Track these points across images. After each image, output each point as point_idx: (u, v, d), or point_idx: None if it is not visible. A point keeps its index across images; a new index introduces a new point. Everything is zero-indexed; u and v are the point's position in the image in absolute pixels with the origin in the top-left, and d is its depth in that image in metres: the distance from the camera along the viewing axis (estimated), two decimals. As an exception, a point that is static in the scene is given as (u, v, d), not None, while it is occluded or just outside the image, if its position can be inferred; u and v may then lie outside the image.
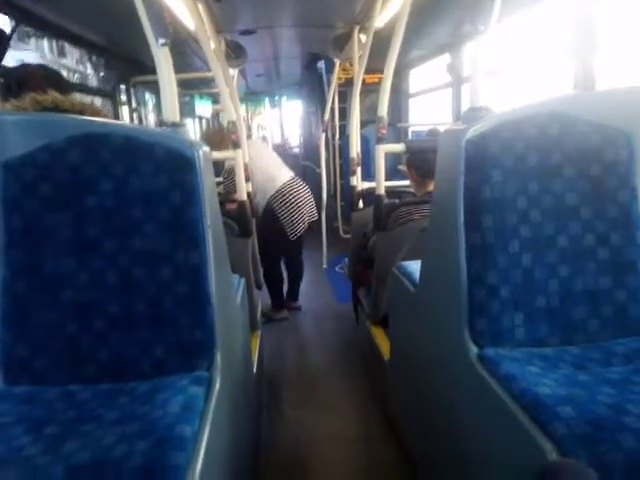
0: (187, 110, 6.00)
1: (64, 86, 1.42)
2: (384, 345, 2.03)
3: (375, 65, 2.85)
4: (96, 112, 1.33)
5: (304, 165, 6.68)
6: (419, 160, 2.15)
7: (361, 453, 1.87)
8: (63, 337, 1.02)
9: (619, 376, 0.93)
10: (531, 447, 0.80)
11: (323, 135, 4.42)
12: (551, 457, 0.75)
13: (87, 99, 2.92)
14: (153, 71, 1.27)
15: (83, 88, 3.19)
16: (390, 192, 2.43)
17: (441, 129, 2.23)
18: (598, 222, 1.11)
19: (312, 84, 5.61)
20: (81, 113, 1.27)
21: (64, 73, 2.07)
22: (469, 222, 1.09)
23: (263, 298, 2.98)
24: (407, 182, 2.53)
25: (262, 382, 2.22)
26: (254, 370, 1.83)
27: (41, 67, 1.57)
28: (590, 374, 0.95)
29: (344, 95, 4.68)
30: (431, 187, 2.18)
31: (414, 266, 1.54)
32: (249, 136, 3.83)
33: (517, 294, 1.07)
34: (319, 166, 4.45)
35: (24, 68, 1.56)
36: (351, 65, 3.60)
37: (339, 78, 4.17)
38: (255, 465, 1.71)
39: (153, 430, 0.79)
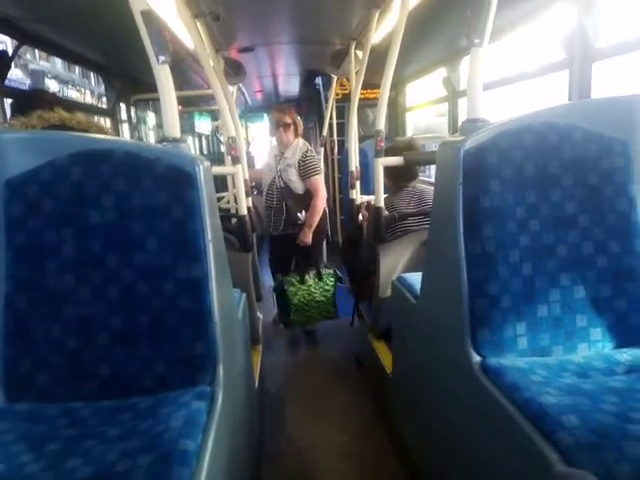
0: (187, 127, 6.05)
1: (69, 105, 1.46)
2: (386, 358, 2.02)
3: (372, 80, 2.88)
4: (100, 130, 1.36)
5: None
6: (394, 172, 2.30)
7: (363, 467, 1.84)
8: (65, 353, 1.01)
9: (623, 385, 0.93)
10: (537, 457, 0.80)
11: (322, 150, 4.45)
12: (557, 467, 0.75)
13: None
14: (153, 89, 1.29)
15: (84, 106, 3.22)
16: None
17: (418, 139, 2.37)
18: (596, 230, 1.11)
19: (310, 100, 5.66)
20: (86, 131, 1.29)
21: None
22: (469, 232, 1.09)
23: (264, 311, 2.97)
24: None
25: (264, 396, 2.21)
26: (256, 384, 1.82)
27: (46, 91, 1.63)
28: (594, 383, 0.94)
29: (342, 110, 4.72)
30: (404, 182, 2.35)
31: (415, 278, 1.54)
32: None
33: (518, 303, 1.07)
34: None
35: (37, 91, 1.62)
36: (348, 81, 3.63)
37: (336, 94, 4.21)
38: (257, 479, 1.69)
39: (156, 445, 0.78)
